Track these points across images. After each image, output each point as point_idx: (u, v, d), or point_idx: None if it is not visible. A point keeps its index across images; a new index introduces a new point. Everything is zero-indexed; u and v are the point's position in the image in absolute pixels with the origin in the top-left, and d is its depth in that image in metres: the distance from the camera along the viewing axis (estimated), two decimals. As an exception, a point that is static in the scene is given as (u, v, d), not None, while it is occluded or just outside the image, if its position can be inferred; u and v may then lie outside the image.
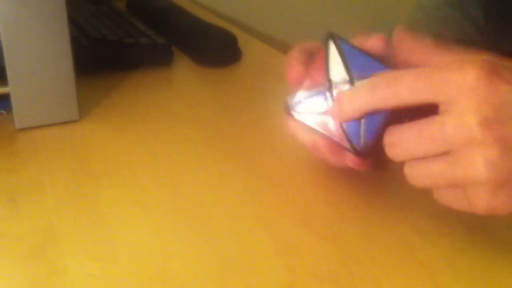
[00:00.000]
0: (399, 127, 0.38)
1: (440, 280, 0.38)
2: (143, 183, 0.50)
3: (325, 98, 0.42)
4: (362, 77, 0.40)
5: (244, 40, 0.87)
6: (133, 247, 0.42)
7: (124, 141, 0.58)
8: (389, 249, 0.41)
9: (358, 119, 0.40)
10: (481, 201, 0.35)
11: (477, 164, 0.34)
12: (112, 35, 0.79)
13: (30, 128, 0.59)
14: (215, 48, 0.81)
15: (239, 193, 0.49)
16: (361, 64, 0.40)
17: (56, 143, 0.57)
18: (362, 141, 0.41)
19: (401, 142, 0.37)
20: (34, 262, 0.40)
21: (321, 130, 0.43)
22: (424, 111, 0.37)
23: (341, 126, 0.41)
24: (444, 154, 0.36)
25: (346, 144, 0.41)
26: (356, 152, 0.41)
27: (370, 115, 0.39)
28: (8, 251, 0.41)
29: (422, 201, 0.45)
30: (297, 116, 0.44)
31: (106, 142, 0.57)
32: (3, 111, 0.62)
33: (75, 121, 0.61)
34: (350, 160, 0.43)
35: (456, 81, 0.35)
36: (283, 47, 0.88)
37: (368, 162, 0.42)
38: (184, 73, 0.79)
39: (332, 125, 0.42)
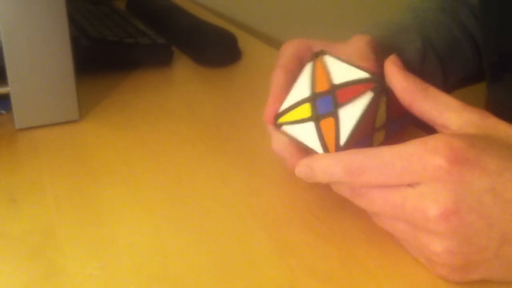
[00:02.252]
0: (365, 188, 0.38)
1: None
2: (143, 183, 0.50)
3: (311, 128, 0.42)
4: (344, 84, 0.40)
5: (244, 40, 0.87)
6: (133, 247, 0.42)
7: (124, 141, 0.58)
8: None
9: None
10: (438, 271, 0.38)
11: (436, 249, 0.36)
12: (112, 35, 0.79)
13: (30, 128, 0.59)
14: (215, 48, 0.81)
15: (239, 193, 0.49)
16: (343, 72, 0.41)
17: (56, 143, 0.57)
18: (341, 144, 0.41)
19: (367, 198, 0.38)
20: (34, 262, 0.40)
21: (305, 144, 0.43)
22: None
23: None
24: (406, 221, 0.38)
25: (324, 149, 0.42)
26: None
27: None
28: (8, 251, 0.41)
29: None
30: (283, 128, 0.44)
31: (106, 142, 0.57)
32: (3, 111, 0.62)
33: (75, 121, 0.61)
34: None
35: (419, 167, 0.35)
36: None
37: None
38: (184, 73, 0.79)
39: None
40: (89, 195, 0.48)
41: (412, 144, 0.36)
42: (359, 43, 0.49)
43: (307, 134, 0.42)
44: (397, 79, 0.41)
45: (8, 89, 0.57)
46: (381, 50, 0.52)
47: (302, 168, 0.41)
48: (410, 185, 0.36)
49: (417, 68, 0.62)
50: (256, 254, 0.41)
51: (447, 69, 0.65)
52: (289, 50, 0.50)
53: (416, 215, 0.36)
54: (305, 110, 0.42)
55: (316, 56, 0.43)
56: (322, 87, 0.42)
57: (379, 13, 0.72)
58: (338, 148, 0.40)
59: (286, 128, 0.44)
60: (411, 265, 0.40)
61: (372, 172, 0.37)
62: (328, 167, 0.39)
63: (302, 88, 0.43)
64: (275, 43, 1.08)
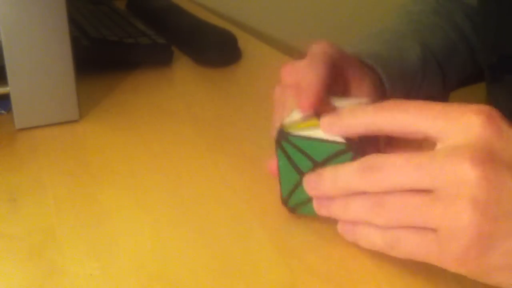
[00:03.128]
0: (389, 155, 0.37)
1: (440, 280, 0.38)
2: (143, 183, 0.50)
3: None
4: (326, 161, 0.40)
5: (244, 40, 0.87)
6: (133, 247, 0.42)
7: (124, 141, 0.58)
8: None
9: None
10: (453, 253, 0.34)
11: (461, 204, 0.33)
12: (112, 35, 0.79)
13: (30, 128, 0.59)
14: (215, 48, 0.81)
15: (239, 193, 0.49)
16: (319, 150, 0.40)
17: (56, 143, 0.57)
18: None
19: (388, 167, 0.36)
20: (34, 262, 0.40)
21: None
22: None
23: None
24: (424, 188, 0.35)
25: None
26: None
27: None
28: (8, 251, 0.41)
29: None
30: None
31: (106, 142, 0.57)
32: (3, 111, 0.62)
33: (75, 121, 0.61)
34: None
35: (456, 120, 0.35)
36: (283, 47, 0.88)
37: None
38: (184, 73, 0.79)
39: None
40: (89, 195, 0.48)
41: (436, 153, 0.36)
42: (320, 46, 0.48)
43: None
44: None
45: (8, 89, 0.57)
46: (379, 61, 0.52)
47: (311, 177, 0.41)
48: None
49: (419, 75, 0.61)
50: (256, 254, 0.41)
51: (446, 72, 0.65)
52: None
53: (447, 166, 0.34)
54: (305, 191, 0.42)
55: (281, 138, 0.42)
56: (306, 167, 0.41)
57: (378, 13, 0.72)
58: None
59: (303, 211, 0.44)
60: (411, 265, 0.40)
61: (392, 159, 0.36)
62: (338, 168, 0.39)
63: (289, 173, 0.42)
64: (275, 43, 1.08)
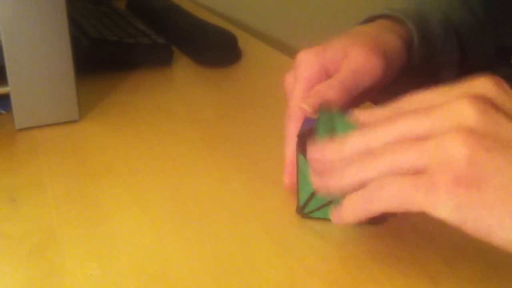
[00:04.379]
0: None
1: (440, 280, 0.38)
2: (143, 183, 0.50)
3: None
4: None
5: (244, 40, 0.87)
6: (133, 247, 0.42)
7: (124, 141, 0.58)
8: (389, 249, 0.41)
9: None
10: (444, 185, 0.32)
11: (455, 134, 0.33)
12: (112, 35, 0.79)
13: (30, 128, 0.59)
14: (215, 48, 0.81)
15: (239, 193, 0.49)
16: None
17: (56, 143, 0.57)
18: None
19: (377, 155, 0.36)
20: (34, 262, 0.40)
21: None
22: None
23: None
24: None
25: None
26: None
27: None
28: (8, 251, 0.41)
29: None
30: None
31: (106, 142, 0.57)
32: (3, 111, 0.62)
33: (75, 121, 0.61)
34: None
35: (444, 109, 0.35)
36: (283, 47, 0.88)
37: None
38: (184, 73, 0.79)
39: None
40: (89, 195, 0.48)
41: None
42: (363, 61, 0.48)
43: None
44: None
45: (8, 89, 0.57)
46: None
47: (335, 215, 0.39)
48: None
49: (440, 38, 0.60)
50: (256, 254, 0.41)
51: (465, 45, 0.63)
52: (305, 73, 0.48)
53: (445, 106, 0.34)
54: (322, 198, 0.42)
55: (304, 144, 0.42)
56: None
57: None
58: None
59: (315, 215, 0.44)
60: (411, 265, 0.40)
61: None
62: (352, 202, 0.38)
63: (308, 181, 0.42)
64: (275, 43, 1.08)
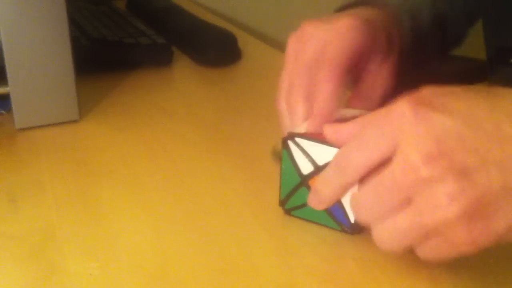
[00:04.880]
0: (358, 191, 0.38)
1: (440, 280, 0.38)
2: (143, 183, 0.50)
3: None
4: (327, 165, 0.41)
5: (244, 40, 0.87)
6: (133, 247, 0.42)
7: (124, 141, 0.58)
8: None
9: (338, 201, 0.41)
10: (461, 239, 0.34)
11: (440, 202, 0.33)
12: (112, 35, 0.79)
13: (30, 128, 0.59)
14: (215, 48, 0.81)
15: (239, 192, 0.49)
16: (322, 154, 0.41)
17: (56, 143, 0.57)
18: (351, 221, 0.42)
19: (363, 204, 0.37)
20: (34, 262, 0.40)
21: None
22: None
23: (329, 212, 0.42)
24: (407, 204, 0.35)
25: (336, 226, 0.43)
26: (349, 232, 0.43)
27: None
28: (8, 251, 0.41)
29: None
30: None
31: (106, 142, 0.57)
32: (3, 111, 0.62)
33: (75, 121, 0.61)
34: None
35: (388, 126, 0.35)
36: (283, 47, 0.88)
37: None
38: (184, 73, 0.79)
39: None
40: (89, 195, 0.48)
41: (377, 112, 0.37)
42: (347, 35, 0.48)
43: (317, 212, 0.43)
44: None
45: (8, 89, 0.57)
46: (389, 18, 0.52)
47: (311, 196, 0.42)
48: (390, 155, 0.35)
49: (424, 35, 0.61)
50: (256, 254, 0.41)
51: (447, 36, 0.64)
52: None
53: (406, 176, 0.34)
54: (304, 194, 0.43)
55: (288, 138, 0.43)
56: (307, 169, 0.42)
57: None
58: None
59: (296, 213, 0.44)
60: (411, 265, 0.40)
61: (353, 152, 0.37)
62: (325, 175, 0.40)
63: (290, 175, 0.43)
64: (275, 43, 1.08)
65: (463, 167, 0.33)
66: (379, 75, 0.50)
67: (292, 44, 0.50)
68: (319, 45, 0.47)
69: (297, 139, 0.42)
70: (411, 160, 0.33)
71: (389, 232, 0.36)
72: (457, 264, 0.40)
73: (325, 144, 0.41)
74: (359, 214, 0.38)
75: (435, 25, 0.62)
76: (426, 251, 0.36)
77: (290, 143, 0.43)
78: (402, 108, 0.34)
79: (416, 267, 0.39)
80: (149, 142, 0.57)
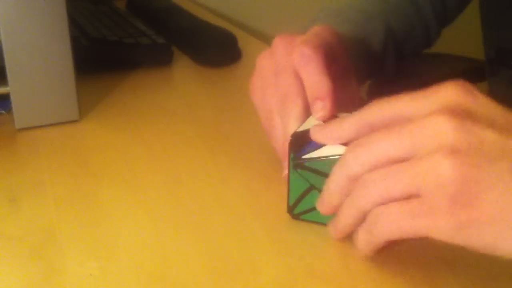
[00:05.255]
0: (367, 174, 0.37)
1: (440, 280, 0.38)
2: (143, 183, 0.50)
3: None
4: None
5: (244, 40, 0.87)
6: (133, 247, 0.42)
7: (124, 141, 0.58)
8: (388, 249, 0.41)
9: None
10: (440, 205, 0.33)
11: (441, 152, 0.33)
12: (112, 35, 0.79)
13: (30, 128, 0.59)
14: (215, 48, 0.81)
15: (239, 192, 0.49)
16: (330, 166, 0.40)
17: (56, 143, 0.57)
18: None
19: (368, 183, 0.36)
20: (34, 262, 0.40)
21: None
22: None
23: None
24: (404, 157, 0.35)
25: None
26: None
27: None
28: (8, 251, 0.41)
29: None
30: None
31: (106, 142, 0.57)
32: (3, 111, 0.62)
33: (75, 121, 0.61)
34: None
35: (421, 126, 0.35)
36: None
37: None
38: (184, 73, 0.79)
39: None
40: (89, 195, 0.48)
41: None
42: (321, 30, 0.48)
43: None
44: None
45: (8, 89, 0.57)
46: (345, 41, 0.52)
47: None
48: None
49: (379, 56, 0.63)
50: (256, 254, 0.41)
51: (401, 51, 0.66)
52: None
53: (425, 125, 0.34)
54: (315, 197, 0.42)
55: (295, 165, 0.42)
56: (318, 181, 0.41)
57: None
58: None
59: (306, 217, 0.44)
60: (411, 265, 0.40)
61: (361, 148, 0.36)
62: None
63: (299, 181, 0.42)
64: (275, 43, 1.07)
65: (480, 137, 0.33)
66: (348, 82, 0.50)
67: (263, 61, 0.51)
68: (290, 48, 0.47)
69: (306, 164, 0.41)
70: (431, 160, 0.33)
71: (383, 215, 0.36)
72: (457, 264, 0.40)
73: (331, 159, 0.40)
74: (359, 194, 0.37)
75: (388, 46, 0.64)
76: (397, 214, 0.35)
77: (298, 167, 0.42)
78: (442, 106, 0.34)
79: (416, 267, 0.39)
80: (149, 142, 0.57)
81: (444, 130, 0.33)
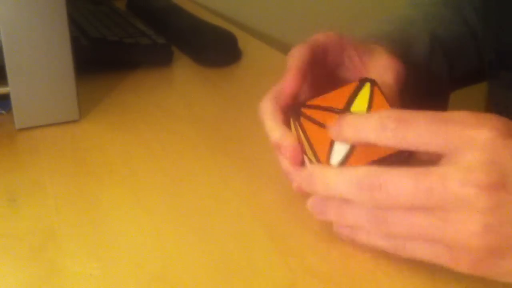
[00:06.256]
0: (392, 172, 0.34)
1: (440, 280, 0.38)
2: (143, 183, 0.50)
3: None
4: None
5: (244, 40, 0.87)
6: (133, 247, 0.42)
7: (124, 141, 0.58)
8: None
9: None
10: (466, 263, 0.34)
11: (474, 227, 0.33)
12: (112, 35, 0.79)
13: (30, 128, 0.59)
14: (215, 48, 0.81)
15: (239, 192, 0.49)
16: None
17: (56, 143, 0.57)
18: None
19: (392, 187, 0.34)
20: (34, 262, 0.40)
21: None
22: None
23: None
24: (433, 208, 0.34)
25: None
26: None
27: None
28: (8, 251, 0.41)
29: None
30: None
31: (106, 142, 0.57)
32: (3, 111, 0.62)
33: (75, 121, 0.61)
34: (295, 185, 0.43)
35: (469, 136, 0.34)
36: (283, 47, 0.88)
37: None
38: (184, 73, 0.79)
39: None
40: (89, 195, 0.48)
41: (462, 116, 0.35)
42: (388, 71, 0.48)
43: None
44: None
45: (8, 89, 0.57)
46: (395, 50, 0.52)
47: (302, 174, 0.40)
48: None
49: (424, 62, 0.61)
50: (256, 254, 0.41)
51: (453, 64, 0.64)
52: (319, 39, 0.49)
53: (462, 189, 0.32)
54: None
55: (369, 83, 0.42)
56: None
57: (381, 13, 0.72)
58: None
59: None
60: (411, 265, 0.40)
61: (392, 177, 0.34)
62: (359, 122, 0.37)
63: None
64: (275, 43, 1.08)
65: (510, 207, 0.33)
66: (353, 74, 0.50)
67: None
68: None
69: (304, 110, 0.41)
70: (474, 177, 0.32)
71: (401, 219, 0.35)
72: (457, 264, 0.40)
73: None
74: (380, 194, 0.35)
75: (435, 51, 0.63)
76: (414, 249, 0.36)
77: (301, 117, 0.41)
78: (492, 133, 0.33)
79: (416, 267, 0.39)
80: (149, 142, 0.57)
81: (477, 205, 0.33)
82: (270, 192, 0.48)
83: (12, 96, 0.58)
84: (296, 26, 1.36)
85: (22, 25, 0.56)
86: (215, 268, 0.39)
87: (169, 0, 1.04)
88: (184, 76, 0.78)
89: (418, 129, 0.34)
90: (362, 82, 0.43)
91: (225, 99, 0.70)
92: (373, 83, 0.42)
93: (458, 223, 0.33)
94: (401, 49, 0.57)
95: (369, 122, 0.36)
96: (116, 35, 0.79)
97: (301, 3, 1.38)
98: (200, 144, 0.57)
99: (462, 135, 0.34)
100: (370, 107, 0.41)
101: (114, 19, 0.89)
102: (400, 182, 0.34)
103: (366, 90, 0.42)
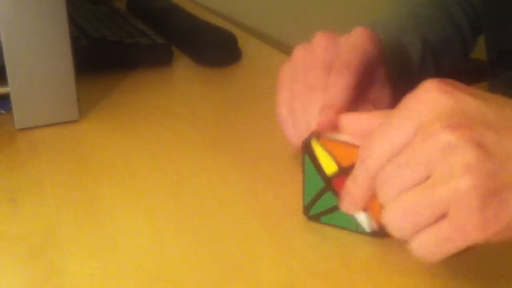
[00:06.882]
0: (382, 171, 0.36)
1: (439, 280, 0.38)
2: (143, 183, 0.50)
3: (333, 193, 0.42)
4: (351, 165, 0.39)
5: (244, 40, 0.87)
6: (133, 247, 0.42)
7: (124, 141, 0.58)
8: (388, 249, 0.41)
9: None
10: (471, 221, 0.33)
11: (454, 171, 0.33)
12: (112, 35, 0.79)
13: (30, 128, 0.59)
14: (215, 48, 0.81)
15: (239, 192, 0.49)
16: (346, 154, 0.40)
17: (56, 143, 0.57)
18: (373, 225, 0.41)
19: (384, 181, 0.36)
20: (34, 262, 0.40)
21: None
22: None
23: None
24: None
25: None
26: (379, 236, 0.42)
27: None
28: (8, 251, 0.41)
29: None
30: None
31: (106, 142, 0.57)
32: (3, 111, 0.62)
33: (75, 121, 0.61)
34: None
35: (413, 104, 0.35)
36: (283, 47, 0.88)
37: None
38: (184, 73, 0.79)
39: None
40: (89, 195, 0.48)
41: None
42: (361, 39, 0.48)
43: (346, 218, 0.42)
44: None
45: (8, 89, 0.57)
46: (384, 48, 0.52)
47: (343, 198, 0.40)
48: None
49: (418, 69, 0.62)
50: (256, 254, 0.41)
51: (440, 66, 0.65)
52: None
53: (426, 144, 0.34)
54: (330, 198, 0.42)
55: (310, 140, 0.42)
56: (331, 169, 0.41)
57: (378, 11, 0.72)
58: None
59: (325, 220, 0.43)
60: (411, 265, 0.40)
61: (377, 140, 0.36)
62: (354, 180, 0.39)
63: (314, 179, 0.42)
64: (275, 43, 1.08)
65: (482, 141, 0.33)
66: (382, 93, 0.50)
67: (300, 52, 0.49)
68: (332, 49, 0.47)
69: (321, 138, 0.41)
70: (430, 129, 0.34)
71: (401, 208, 0.35)
72: (457, 264, 0.40)
73: (348, 145, 0.40)
74: (380, 194, 0.36)
75: (426, 59, 0.63)
76: (432, 241, 0.35)
77: (314, 142, 0.41)
78: (428, 85, 0.35)
79: (416, 266, 0.39)
80: (149, 142, 0.57)
81: (449, 150, 0.33)
82: (270, 192, 0.48)
83: (12, 96, 0.58)
84: (296, 26, 1.36)
85: (22, 25, 0.56)
86: (215, 268, 0.39)
87: (169, 0, 1.04)
88: (184, 76, 0.78)
89: (388, 133, 0.36)
90: (306, 145, 0.42)
91: (225, 99, 0.70)
92: (315, 137, 0.42)
93: (441, 177, 0.33)
94: (399, 65, 0.57)
95: (358, 173, 0.38)
96: (116, 35, 0.79)
97: (301, 3, 1.38)
98: (200, 144, 0.57)
99: (410, 107, 0.35)
100: (336, 160, 0.41)
101: (114, 19, 0.89)
102: (385, 170, 0.36)
103: (317, 148, 0.42)
